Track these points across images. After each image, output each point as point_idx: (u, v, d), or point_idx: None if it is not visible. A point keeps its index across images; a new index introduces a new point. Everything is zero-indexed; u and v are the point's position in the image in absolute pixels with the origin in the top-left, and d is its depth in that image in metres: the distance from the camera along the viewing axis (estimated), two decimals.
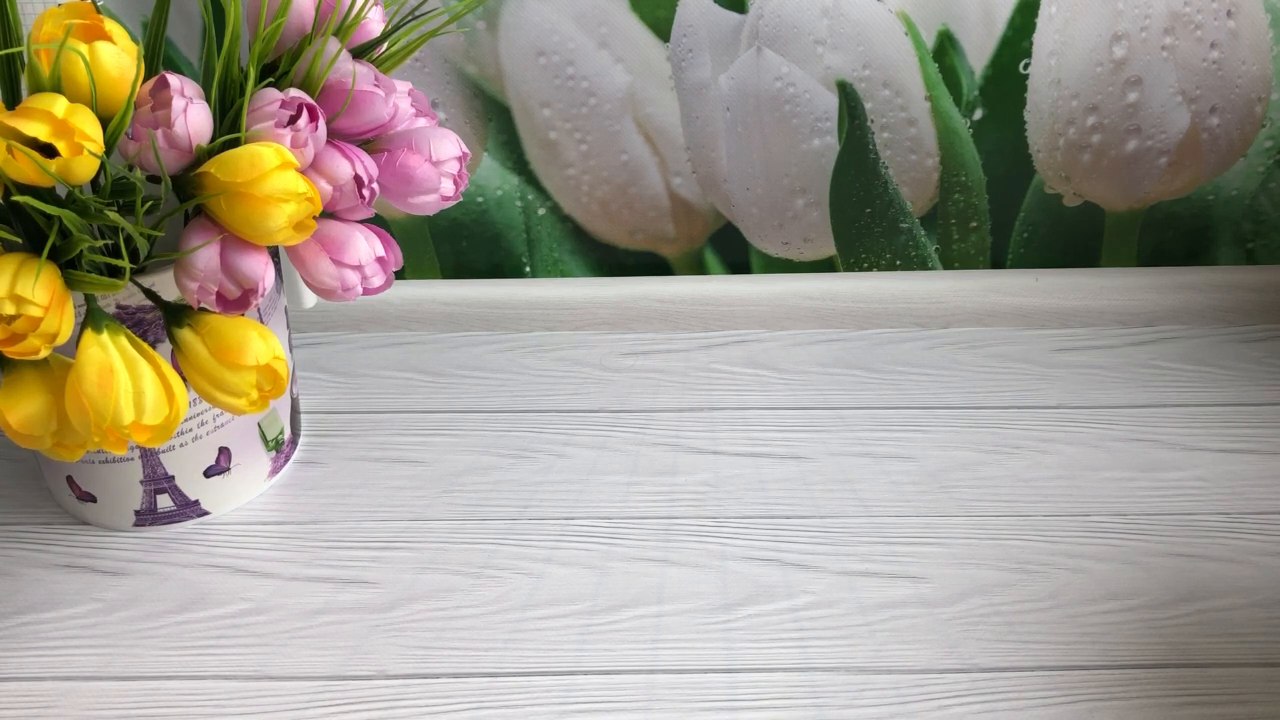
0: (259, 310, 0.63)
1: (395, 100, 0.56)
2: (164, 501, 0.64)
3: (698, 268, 0.78)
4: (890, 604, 0.59)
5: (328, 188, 0.54)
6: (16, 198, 0.49)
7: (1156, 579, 0.60)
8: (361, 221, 0.57)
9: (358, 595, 0.60)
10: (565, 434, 0.70)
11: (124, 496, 0.63)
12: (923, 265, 0.78)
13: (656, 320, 0.79)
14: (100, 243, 0.53)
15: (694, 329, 0.79)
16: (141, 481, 0.63)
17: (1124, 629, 0.57)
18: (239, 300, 0.54)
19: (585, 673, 0.56)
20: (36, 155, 0.48)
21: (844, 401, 0.72)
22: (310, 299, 0.76)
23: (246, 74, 0.53)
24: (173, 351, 0.55)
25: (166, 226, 0.55)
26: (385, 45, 0.59)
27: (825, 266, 0.78)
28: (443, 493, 0.66)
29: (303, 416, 0.72)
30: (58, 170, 0.48)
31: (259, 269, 0.53)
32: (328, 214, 0.56)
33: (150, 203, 0.53)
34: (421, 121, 0.59)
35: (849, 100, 0.72)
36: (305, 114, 0.53)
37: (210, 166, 0.52)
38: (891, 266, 0.78)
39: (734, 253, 0.77)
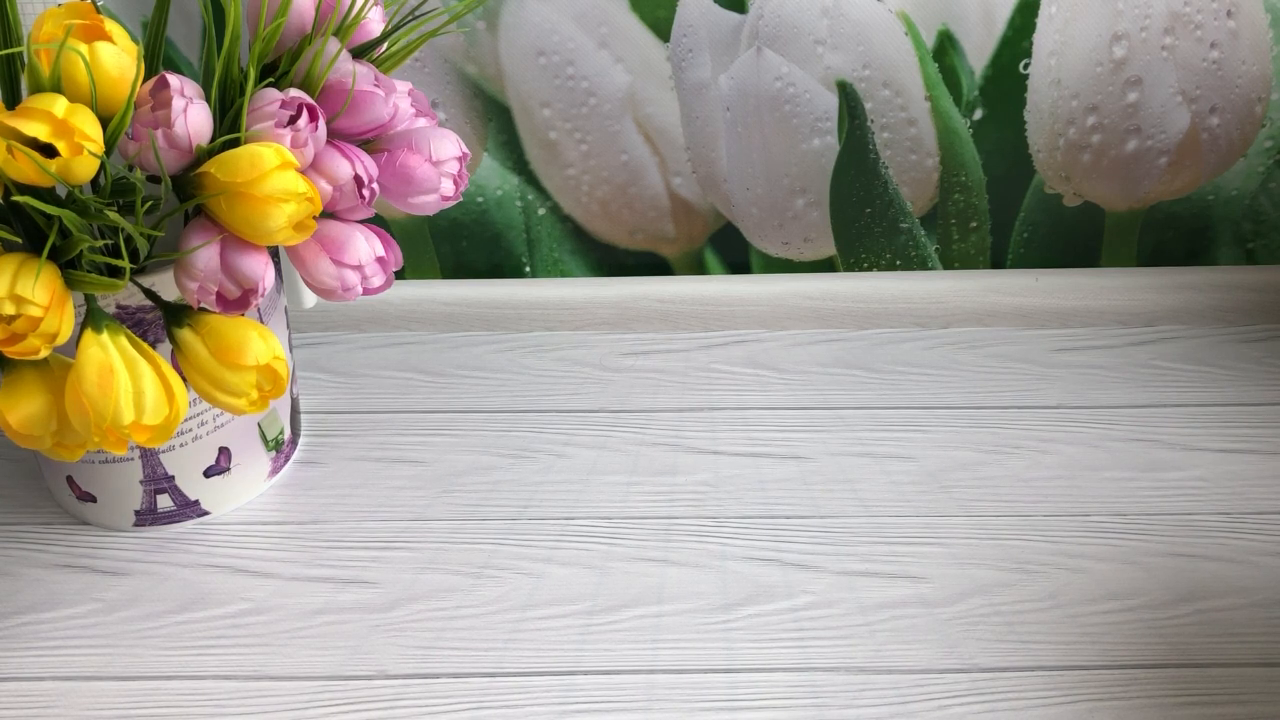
0: (259, 310, 0.63)
1: (395, 100, 0.56)
2: (164, 501, 0.64)
3: (698, 268, 0.78)
4: (890, 604, 0.59)
5: (328, 188, 0.54)
6: (16, 198, 0.49)
7: (1156, 579, 0.60)
8: (361, 221, 0.57)
9: (358, 595, 0.60)
10: (565, 434, 0.70)
11: (124, 496, 0.63)
12: (923, 265, 0.78)
13: (656, 320, 0.79)
14: (100, 243, 0.53)
15: (694, 329, 0.79)
16: (141, 481, 0.63)
17: (1124, 629, 0.57)
18: (239, 300, 0.54)
19: (585, 673, 0.56)
20: (36, 155, 0.48)
21: (844, 401, 0.72)
22: (310, 299, 0.76)
23: (246, 74, 0.53)
24: (173, 351, 0.55)
25: (166, 226, 0.55)
26: (385, 45, 0.59)
27: (825, 266, 0.78)
28: (443, 493, 0.66)
29: (303, 416, 0.72)
30: (58, 170, 0.48)
31: (259, 269, 0.53)
32: (328, 214, 0.56)
33: (150, 203, 0.53)
34: (421, 121, 0.59)
35: (849, 100, 0.72)
36: (305, 114, 0.53)
37: (210, 166, 0.52)
38: (891, 266, 0.78)
39: (734, 253, 0.77)
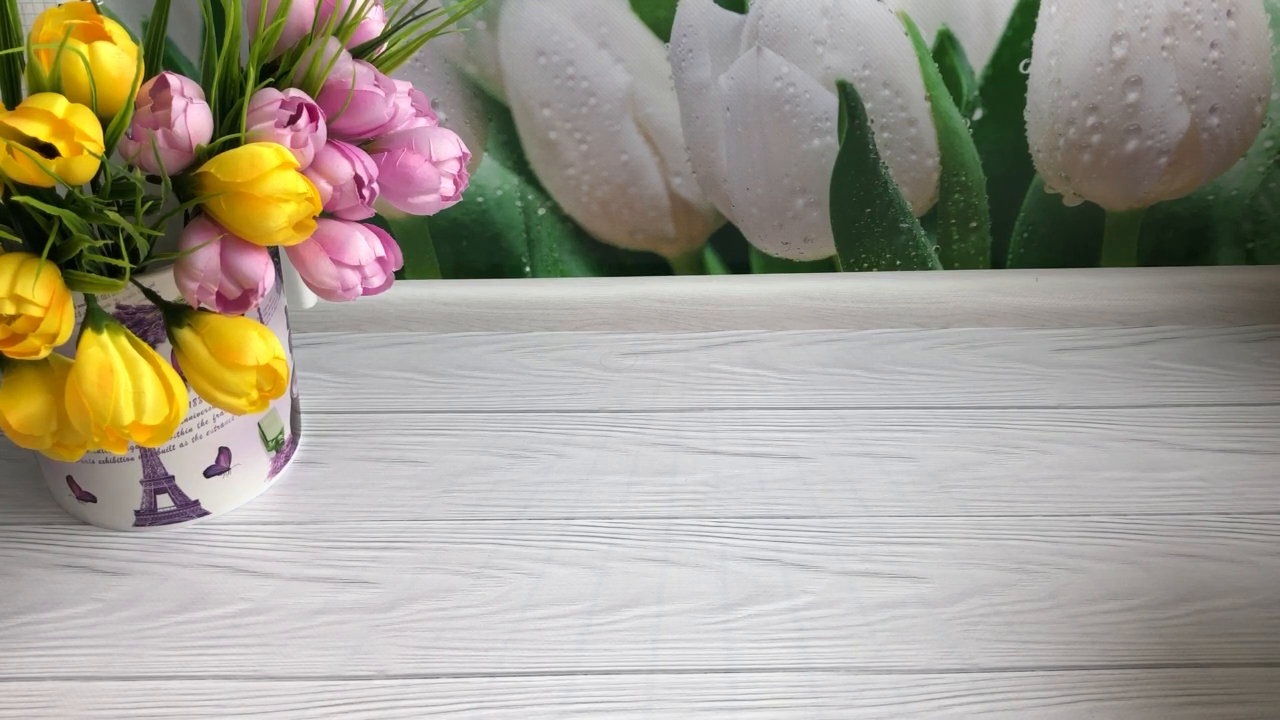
0: (259, 310, 0.63)
1: (395, 100, 0.56)
2: (164, 501, 0.64)
3: (698, 268, 0.78)
4: (890, 604, 0.59)
5: (328, 188, 0.54)
6: (16, 198, 0.49)
7: (1156, 579, 0.60)
8: (361, 221, 0.57)
9: (358, 595, 0.60)
10: (565, 434, 0.70)
11: (124, 496, 0.63)
12: (923, 265, 0.78)
13: (656, 320, 0.79)
14: (100, 243, 0.53)
15: (694, 329, 0.79)
16: (141, 481, 0.63)
17: (1124, 629, 0.57)
18: (239, 300, 0.54)
19: (585, 673, 0.56)
20: (36, 155, 0.48)
21: (844, 401, 0.72)
22: (310, 299, 0.76)
23: (246, 74, 0.53)
24: (173, 351, 0.55)
25: (166, 226, 0.55)
26: (385, 45, 0.59)
27: (825, 266, 0.78)
28: (443, 493, 0.66)
29: (303, 416, 0.72)
30: (58, 170, 0.48)
31: (259, 269, 0.53)
32: (328, 214, 0.56)
33: (150, 203, 0.53)
34: (421, 121, 0.59)
35: (849, 100, 0.72)
36: (305, 114, 0.53)
37: (210, 166, 0.52)
38: (891, 266, 0.78)
39: (734, 253, 0.77)
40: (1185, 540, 0.62)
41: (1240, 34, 0.70)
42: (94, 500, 0.63)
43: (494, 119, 0.74)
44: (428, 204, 0.58)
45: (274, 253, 0.62)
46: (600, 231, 0.77)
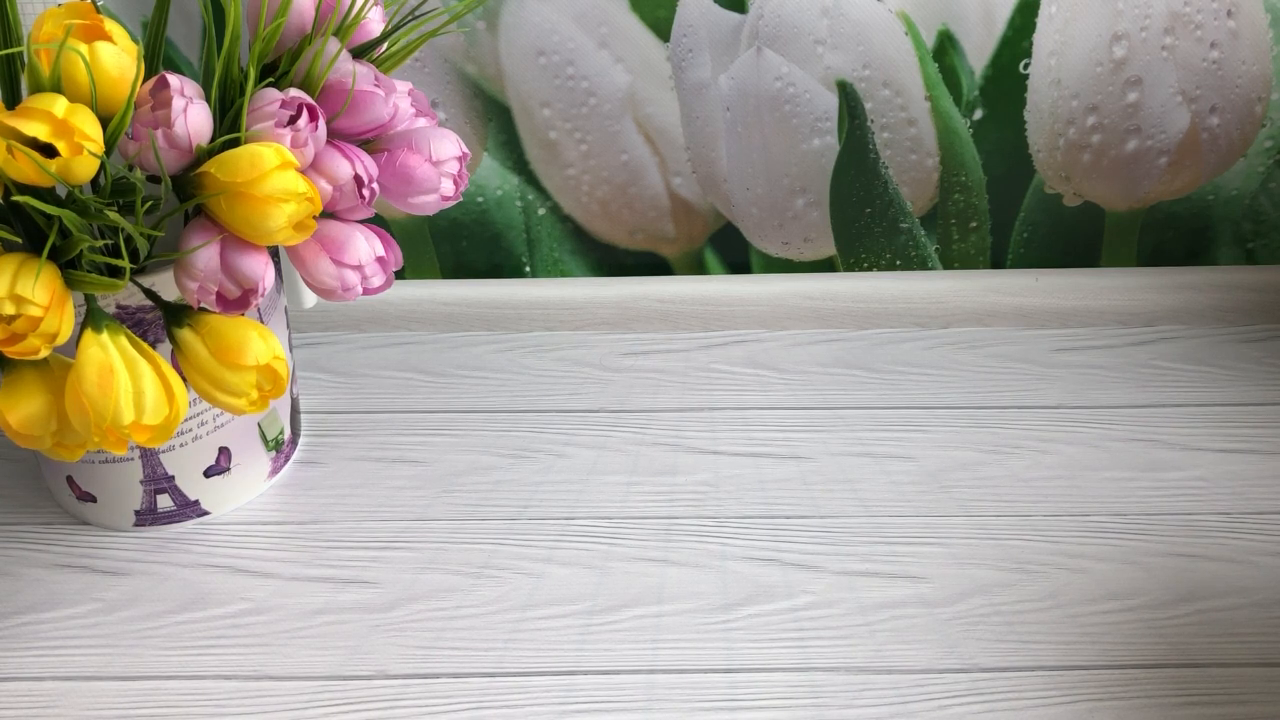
0: (259, 310, 0.63)
1: (395, 100, 0.56)
2: (164, 501, 0.64)
3: (698, 268, 0.78)
4: (890, 604, 0.59)
5: (328, 188, 0.54)
6: (16, 198, 0.49)
7: (1156, 579, 0.60)
8: (361, 221, 0.57)
9: (358, 595, 0.60)
10: (565, 434, 0.70)
11: (124, 496, 0.63)
12: (923, 265, 0.78)
13: (656, 320, 0.79)
14: (100, 243, 0.53)
15: (694, 329, 0.79)
16: (141, 481, 0.63)
17: (1124, 629, 0.57)
18: (239, 300, 0.54)
19: (585, 673, 0.56)
20: (36, 155, 0.48)
21: (844, 401, 0.72)
22: (310, 299, 0.77)
23: (246, 74, 0.53)
24: (173, 351, 0.55)
25: (166, 226, 0.55)
26: (385, 45, 0.59)
27: (825, 266, 0.78)
28: (443, 493, 0.66)
29: (303, 416, 0.72)
30: (58, 170, 0.48)
31: (259, 269, 0.53)
32: (328, 214, 0.56)
33: (150, 203, 0.53)
34: (421, 121, 0.59)
35: (849, 100, 0.72)
36: (305, 114, 0.53)
37: (210, 166, 0.52)
38: (891, 266, 0.78)
39: (734, 253, 0.77)
40: (1185, 540, 0.62)
41: (1240, 34, 0.70)
42: (94, 500, 0.63)
43: (494, 119, 0.74)
44: (428, 204, 0.58)
45: (274, 253, 0.62)
46: (600, 231, 0.77)
